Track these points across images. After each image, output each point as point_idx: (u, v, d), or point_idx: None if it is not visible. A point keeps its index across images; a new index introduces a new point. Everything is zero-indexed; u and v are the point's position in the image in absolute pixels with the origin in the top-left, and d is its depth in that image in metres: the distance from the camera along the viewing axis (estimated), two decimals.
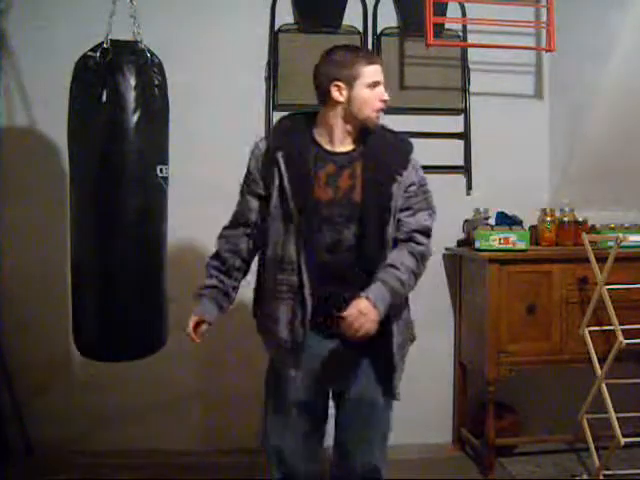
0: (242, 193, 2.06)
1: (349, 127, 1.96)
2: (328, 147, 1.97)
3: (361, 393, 2.01)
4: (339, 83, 1.93)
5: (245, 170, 2.05)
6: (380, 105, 1.96)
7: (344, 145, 1.97)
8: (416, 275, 1.98)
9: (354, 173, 1.95)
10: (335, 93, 1.93)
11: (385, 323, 1.90)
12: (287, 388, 2.00)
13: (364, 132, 1.98)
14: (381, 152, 1.97)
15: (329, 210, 1.92)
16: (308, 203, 1.91)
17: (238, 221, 2.05)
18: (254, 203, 2.02)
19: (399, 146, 2.03)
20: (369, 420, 2.04)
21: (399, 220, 1.96)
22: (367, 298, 1.82)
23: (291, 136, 1.97)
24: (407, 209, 1.97)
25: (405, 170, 1.96)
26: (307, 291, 1.90)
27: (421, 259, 1.99)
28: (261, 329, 2.09)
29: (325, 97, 1.96)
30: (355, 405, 2.02)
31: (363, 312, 1.80)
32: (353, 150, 1.97)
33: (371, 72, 1.93)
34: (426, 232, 2.01)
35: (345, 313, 1.80)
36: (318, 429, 2.07)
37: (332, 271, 1.93)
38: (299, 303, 1.91)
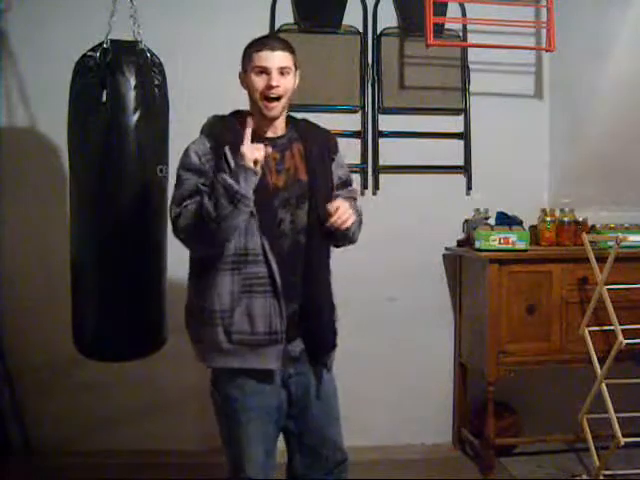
0: (182, 182, 1.89)
1: (260, 115, 1.95)
2: (263, 133, 1.95)
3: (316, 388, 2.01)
4: (241, 71, 1.97)
5: (180, 168, 1.91)
6: (266, 92, 1.90)
7: (273, 131, 1.97)
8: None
9: (294, 154, 1.97)
10: (241, 83, 1.97)
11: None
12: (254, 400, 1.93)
13: (289, 120, 2.02)
14: (313, 135, 2.02)
15: (284, 193, 1.92)
16: (265, 191, 1.88)
17: (191, 196, 1.86)
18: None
19: (327, 132, 2.09)
20: (333, 409, 2.06)
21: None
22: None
23: (228, 129, 1.93)
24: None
25: (337, 153, 2.05)
26: (278, 280, 1.87)
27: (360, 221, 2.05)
28: (216, 338, 1.89)
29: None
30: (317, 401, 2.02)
31: (347, 206, 1.88)
32: (284, 134, 1.99)
33: (259, 58, 1.90)
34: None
35: (335, 204, 1.86)
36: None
37: (291, 258, 1.92)
38: (272, 294, 1.87)
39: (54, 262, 2.96)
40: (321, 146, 2.00)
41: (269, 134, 1.96)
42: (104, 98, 2.18)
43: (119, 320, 2.27)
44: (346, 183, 2.07)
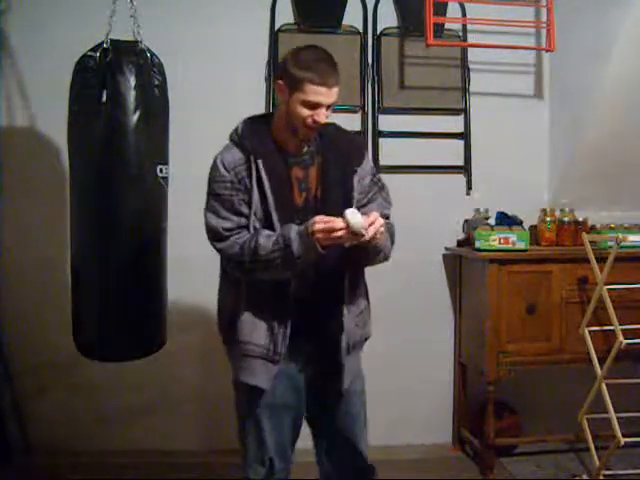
0: (223, 204, 1.84)
1: (292, 134, 1.85)
2: (290, 149, 1.87)
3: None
4: (281, 82, 1.81)
5: (212, 181, 1.88)
6: (311, 124, 1.79)
7: (298, 147, 1.88)
8: (389, 242, 1.97)
9: (315, 170, 1.89)
10: (278, 90, 1.84)
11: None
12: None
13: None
14: (337, 147, 1.91)
15: (304, 214, 1.83)
16: (288, 209, 1.83)
17: (239, 225, 1.83)
18: (245, 209, 1.84)
19: (352, 140, 2.01)
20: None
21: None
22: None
23: (261, 141, 1.84)
24: (367, 203, 1.94)
25: (360, 164, 1.92)
26: (290, 297, 1.84)
27: (392, 234, 1.99)
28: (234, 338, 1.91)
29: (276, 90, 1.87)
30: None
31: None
32: (307, 149, 1.89)
33: (314, 92, 1.75)
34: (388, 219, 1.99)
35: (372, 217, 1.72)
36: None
37: (305, 278, 1.84)
38: (281, 311, 1.85)
39: (54, 262, 2.96)
40: (343, 158, 1.90)
41: (293, 150, 1.87)
42: (104, 98, 2.18)
43: (119, 320, 2.27)
44: (374, 187, 1.97)
